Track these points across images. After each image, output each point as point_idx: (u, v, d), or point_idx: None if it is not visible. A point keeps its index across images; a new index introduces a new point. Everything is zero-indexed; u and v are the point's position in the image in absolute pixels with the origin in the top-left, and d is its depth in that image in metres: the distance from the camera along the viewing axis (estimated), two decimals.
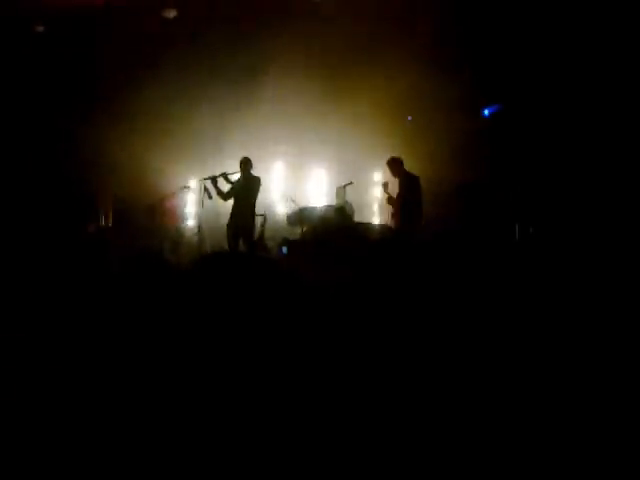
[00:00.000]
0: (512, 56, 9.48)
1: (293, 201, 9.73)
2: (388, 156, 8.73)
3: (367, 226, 9.16)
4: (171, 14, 10.68)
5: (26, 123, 10.30)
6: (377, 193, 10.42)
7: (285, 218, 9.75)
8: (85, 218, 10.40)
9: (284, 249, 6.97)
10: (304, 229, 8.87)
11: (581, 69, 8.90)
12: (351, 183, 9.33)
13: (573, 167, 8.84)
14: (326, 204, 9.80)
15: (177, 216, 10.87)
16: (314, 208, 9.46)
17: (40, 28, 10.68)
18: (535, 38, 9.20)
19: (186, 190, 10.49)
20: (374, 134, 9.73)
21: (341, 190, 9.41)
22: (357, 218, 9.43)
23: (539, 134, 9.21)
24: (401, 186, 8.40)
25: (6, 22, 10.24)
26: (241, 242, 8.62)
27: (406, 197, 8.25)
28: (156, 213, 10.29)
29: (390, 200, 8.53)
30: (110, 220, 11.08)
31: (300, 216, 9.21)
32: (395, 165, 8.51)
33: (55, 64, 10.47)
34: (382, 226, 9.38)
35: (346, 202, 9.31)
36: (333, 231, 8.19)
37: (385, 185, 8.63)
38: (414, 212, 8.21)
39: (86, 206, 10.64)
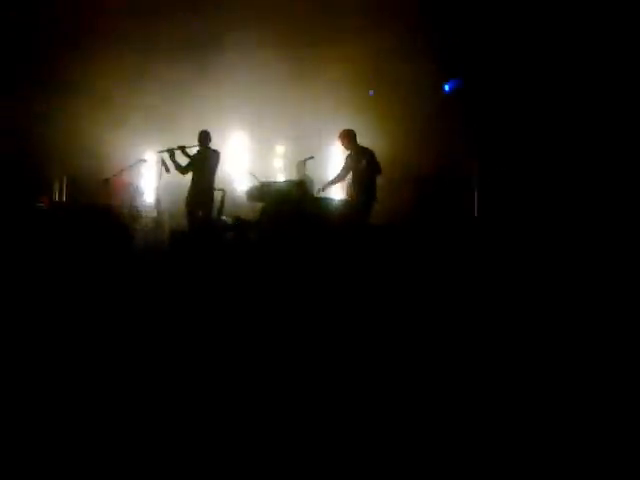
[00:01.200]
0: (474, 30, 9.48)
1: (253, 176, 9.60)
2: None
3: (327, 201, 9.08)
4: None
5: None
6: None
7: (245, 193, 9.62)
8: (37, 193, 10.06)
9: (237, 227, 6.88)
10: (264, 204, 8.75)
11: (541, 40, 8.94)
12: (311, 157, 9.23)
13: (535, 140, 8.92)
14: (286, 179, 9.69)
15: (134, 190, 10.60)
16: (274, 183, 9.32)
17: None
18: (497, 12, 9.21)
19: (143, 163, 10.21)
20: (335, 108, 9.64)
21: (301, 165, 9.30)
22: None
23: (500, 108, 9.27)
24: (353, 159, 8.19)
25: None
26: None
27: (358, 170, 8.05)
28: (111, 187, 10.00)
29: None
30: (64, 195, 10.79)
31: (260, 191, 9.08)
32: (346, 138, 8.17)
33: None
34: (342, 200, 9.32)
35: (306, 176, 9.23)
36: (293, 206, 8.09)
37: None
38: (366, 185, 8.04)
39: (38, 180, 10.31)
